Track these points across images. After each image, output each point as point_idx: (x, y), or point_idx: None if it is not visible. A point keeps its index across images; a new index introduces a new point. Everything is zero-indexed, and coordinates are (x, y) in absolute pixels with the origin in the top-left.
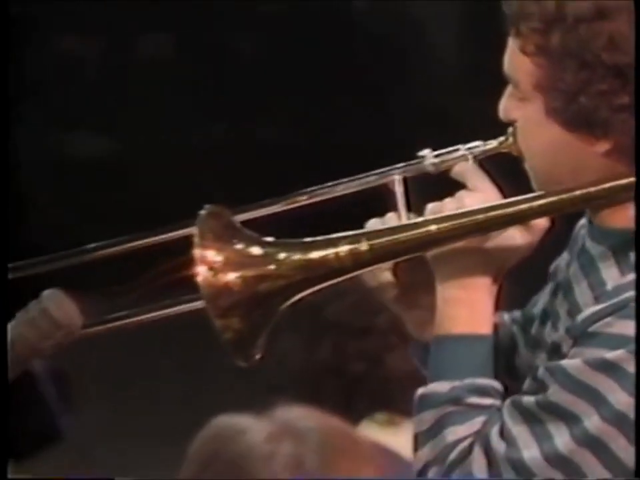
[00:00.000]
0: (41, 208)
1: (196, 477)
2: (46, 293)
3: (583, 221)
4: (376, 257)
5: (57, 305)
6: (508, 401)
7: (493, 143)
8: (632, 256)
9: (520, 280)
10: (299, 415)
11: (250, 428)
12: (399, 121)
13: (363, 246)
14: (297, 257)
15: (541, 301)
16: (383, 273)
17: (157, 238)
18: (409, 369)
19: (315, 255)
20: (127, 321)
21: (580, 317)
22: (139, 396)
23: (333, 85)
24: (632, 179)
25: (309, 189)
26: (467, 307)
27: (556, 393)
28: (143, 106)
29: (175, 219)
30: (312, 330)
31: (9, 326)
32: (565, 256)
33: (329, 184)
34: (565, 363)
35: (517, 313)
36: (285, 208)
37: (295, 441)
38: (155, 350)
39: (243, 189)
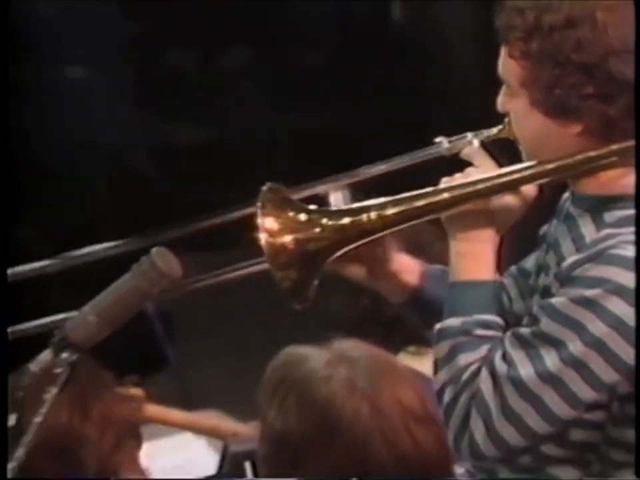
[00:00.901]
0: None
1: (270, 395)
2: (154, 249)
3: (566, 194)
4: (399, 219)
5: (163, 259)
6: (509, 333)
7: (493, 130)
8: (605, 215)
9: (517, 242)
10: (351, 346)
11: (312, 356)
12: (421, 114)
13: (389, 210)
14: (335, 221)
15: (532, 257)
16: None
17: (233, 215)
18: None
19: (349, 219)
20: (213, 280)
21: (564, 264)
22: (227, 334)
23: (374, 88)
24: (596, 151)
25: (366, 166)
26: (473, 259)
27: (546, 324)
28: (230, 103)
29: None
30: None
31: (126, 276)
32: (553, 222)
33: (382, 162)
34: (553, 300)
35: (513, 267)
36: (340, 182)
37: (348, 366)
38: (240, 300)
39: (308, 168)
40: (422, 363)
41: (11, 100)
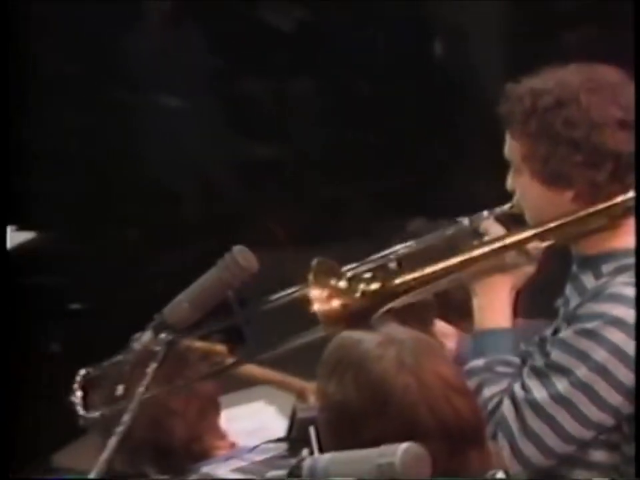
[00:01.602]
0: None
1: (330, 372)
2: (235, 248)
3: (573, 267)
4: (423, 282)
5: (243, 256)
6: (526, 367)
7: (505, 207)
8: (602, 267)
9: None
10: (398, 330)
11: (365, 339)
12: (453, 143)
13: (412, 275)
14: (368, 286)
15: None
16: None
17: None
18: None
19: (378, 284)
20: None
21: (570, 307)
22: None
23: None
24: (585, 211)
25: (399, 246)
26: (491, 310)
27: (556, 355)
28: (295, 124)
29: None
30: None
31: (212, 270)
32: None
33: (414, 240)
34: (561, 335)
35: (535, 336)
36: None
37: (396, 347)
38: None
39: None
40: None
41: (118, 123)
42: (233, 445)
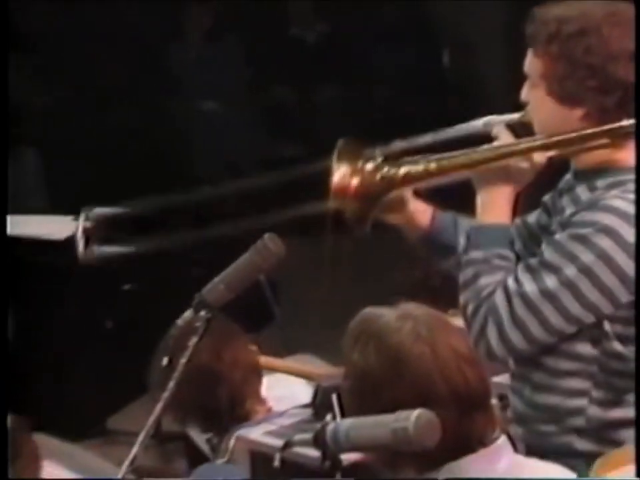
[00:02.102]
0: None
1: (354, 343)
2: (266, 235)
3: (567, 176)
4: (442, 170)
5: (273, 242)
6: (520, 263)
7: (516, 115)
8: (597, 182)
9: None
10: (413, 307)
11: (385, 314)
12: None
13: (432, 164)
14: (392, 170)
15: (535, 214)
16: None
17: (316, 165)
18: None
19: (405, 169)
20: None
21: (566, 214)
22: (318, 298)
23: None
24: (591, 130)
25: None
26: (493, 207)
27: (549, 255)
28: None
29: None
30: (412, 262)
31: (245, 255)
32: (556, 192)
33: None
34: (556, 237)
35: (517, 219)
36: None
37: (413, 321)
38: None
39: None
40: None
41: (164, 125)
42: (269, 410)
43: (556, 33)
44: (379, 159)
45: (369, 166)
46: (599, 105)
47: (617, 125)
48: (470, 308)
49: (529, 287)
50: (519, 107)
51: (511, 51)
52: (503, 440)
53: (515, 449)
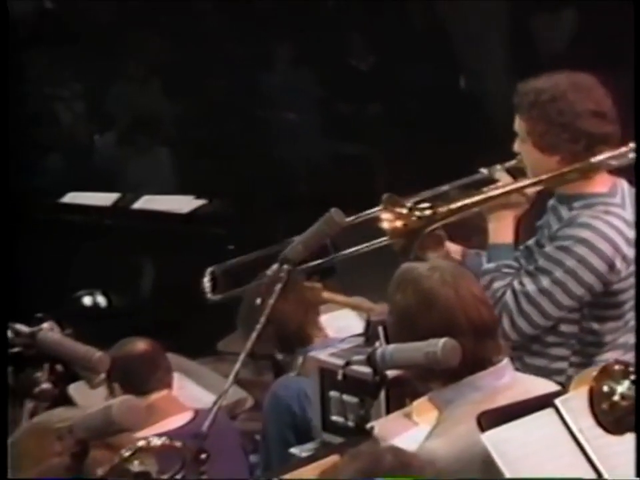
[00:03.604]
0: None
1: (396, 287)
2: (332, 209)
3: (551, 202)
4: (459, 210)
5: (337, 214)
6: (522, 269)
7: (513, 162)
8: (574, 204)
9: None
10: (441, 261)
11: (418, 266)
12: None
13: (453, 205)
14: (423, 212)
15: (533, 239)
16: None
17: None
18: None
19: (431, 211)
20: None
21: (552, 229)
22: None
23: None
24: (567, 168)
25: (437, 188)
26: (500, 231)
27: (542, 263)
28: (370, 133)
29: None
30: None
31: (316, 224)
32: (544, 216)
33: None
34: (546, 249)
35: (522, 245)
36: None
37: (440, 271)
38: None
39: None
40: None
41: (257, 130)
42: (326, 336)
43: (534, 101)
44: (410, 204)
45: (405, 210)
46: (570, 151)
47: (583, 163)
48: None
49: (530, 287)
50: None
51: (512, 77)
52: (506, 361)
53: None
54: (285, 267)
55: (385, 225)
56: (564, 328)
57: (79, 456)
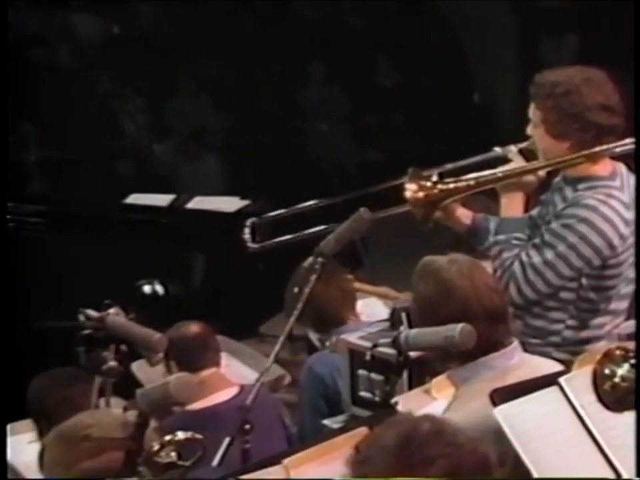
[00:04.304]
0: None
1: (419, 278)
2: (361, 209)
3: (556, 179)
4: (478, 184)
5: (366, 213)
6: (529, 242)
7: (525, 144)
8: (579, 186)
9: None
10: (458, 255)
11: (439, 259)
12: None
13: (472, 181)
14: (446, 186)
15: (537, 209)
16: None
17: (389, 184)
18: None
19: (453, 185)
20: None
21: (558, 208)
22: (392, 250)
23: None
24: (575, 155)
25: (455, 162)
26: (511, 206)
27: (548, 237)
28: (396, 141)
29: None
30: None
31: (346, 222)
32: (549, 193)
33: (466, 159)
34: (551, 225)
35: (525, 215)
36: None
37: (458, 264)
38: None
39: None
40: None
41: (295, 138)
42: (359, 319)
43: (550, 93)
44: (435, 178)
45: (429, 183)
46: (580, 139)
47: (590, 151)
48: (498, 272)
49: (536, 258)
50: (525, 132)
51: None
52: (515, 344)
53: (524, 350)
54: (320, 259)
55: (408, 195)
56: (563, 295)
57: (140, 426)
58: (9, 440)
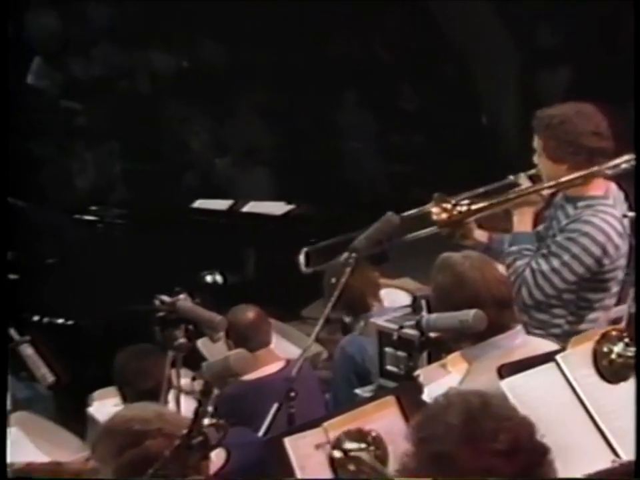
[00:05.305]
0: None
1: (437, 270)
2: (389, 213)
3: (557, 198)
4: (490, 207)
5: (393, 217)
6: (538, 252)
7: (533, 171)
8: (578, 204)
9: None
10: (471, 252)
11: (454, 255)
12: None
13: (485, 203)
14: (462, 208)
15: (542, 225)
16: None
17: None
18: None
19: (467, 207)
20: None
21: (562, 223)
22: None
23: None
24: (573, 175)
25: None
26: (522, 222)
27: (554, 248)
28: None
29: None
30: None
31: (375, 224)
32: (551, 210)
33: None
34: (557, 238)
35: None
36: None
37: (471, 259)
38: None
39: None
40: None
41: (333, 155)
42: (382, 305)
43: (548, 124)
44: (453, 202)
45: (449, 206)
46: (575, 162)
47: (584, 172)
48: (512, 278)
49: (544, 266)
50: (522, 149)
51: (521, 116)
52: (519, 327)
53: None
54: (353, 254)
55: (434, 217)
56: (565, 295)
57: (206, 393)
58: (97, 404)
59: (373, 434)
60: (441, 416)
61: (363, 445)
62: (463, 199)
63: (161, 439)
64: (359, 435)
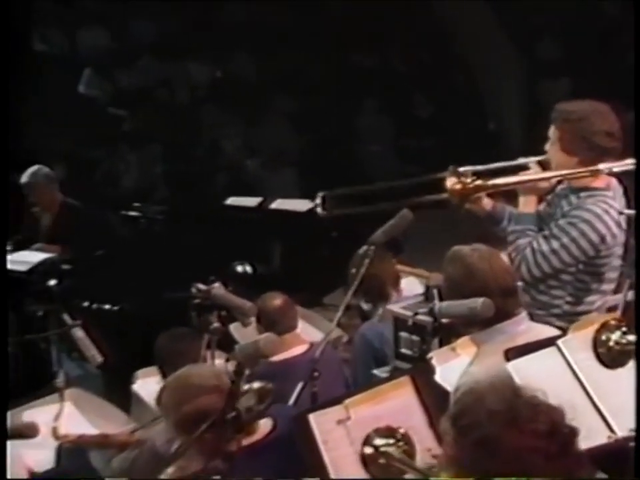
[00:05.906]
0: None
1: (448, 262)
2: (404, 210)
3: (560, 187)
4: (504, 184)
5: (408, 213)
6: (540, 233)
7: (542, 157)
8: (581, 194)
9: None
10: (480, 245)
11: (464, 248)
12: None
13: (499, 181)
14: (478, 182)
15: (544, 204)
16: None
17: (424, 178)
18: None
19: (482, 182)
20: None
21: (564, 209)
22: (427, 242)
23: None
24: (581, 169)
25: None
26: (527, 204)
27: (555, 231)
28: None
29: None
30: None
31: (391, 221)
32: (555, 197)
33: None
34: (559, 221)
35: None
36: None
37: (479, 251)
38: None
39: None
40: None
41: (353, 157)
42: (400, 294)
43: (567, 118)
44: (470, 175)
45: (468, 180)
46: (587, 157)
47: (593, 168)
48: (513, 255)
49: (544, 247)
50: (536, 152)
51: (524, 122)
52: (523, 314)
53: (530, 319)
54: (371, 247)
55: (448, 185)
56: (563, 277)
57: (238, 373)
58: (140, 382)
59: (402, 431)
60: (480, 403)
61: (392, 441)
62: (475, 173)
63: (215, 395)
64: (388, 432)
